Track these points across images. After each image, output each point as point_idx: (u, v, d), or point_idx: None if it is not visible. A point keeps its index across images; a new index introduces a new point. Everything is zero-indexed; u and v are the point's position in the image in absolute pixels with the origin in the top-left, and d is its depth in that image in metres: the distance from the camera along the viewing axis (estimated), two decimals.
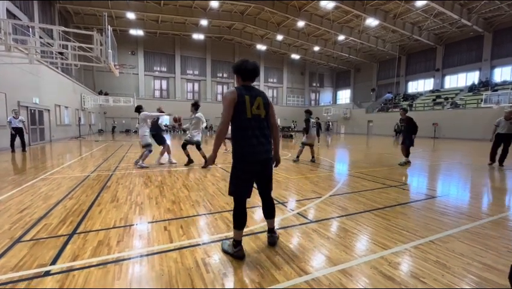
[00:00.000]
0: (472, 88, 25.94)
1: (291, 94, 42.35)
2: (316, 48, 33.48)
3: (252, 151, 2.15)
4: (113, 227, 2.84)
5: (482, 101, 21.19)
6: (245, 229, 2.79)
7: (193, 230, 2.79)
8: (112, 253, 2.27)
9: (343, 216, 3.31)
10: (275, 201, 3.88)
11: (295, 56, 37.10)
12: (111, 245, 2.41)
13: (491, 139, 7.83)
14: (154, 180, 5.23)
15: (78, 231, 2.73)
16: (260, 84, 39.58)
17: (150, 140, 6.89)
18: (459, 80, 28.91)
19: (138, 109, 7.03)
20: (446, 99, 27.00)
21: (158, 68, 34.12)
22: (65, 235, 2.62)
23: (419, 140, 20.71)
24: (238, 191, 2.22)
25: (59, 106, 17.11)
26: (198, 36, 31.08)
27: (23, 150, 10.02)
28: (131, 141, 16.89)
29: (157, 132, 7.21)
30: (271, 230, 2.49)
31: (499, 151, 7.60)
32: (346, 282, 1.90)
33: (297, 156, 8.13)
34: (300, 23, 26.33)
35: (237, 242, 2.23)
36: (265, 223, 2.59)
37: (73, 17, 25.07)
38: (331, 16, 25.83)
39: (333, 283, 1.87)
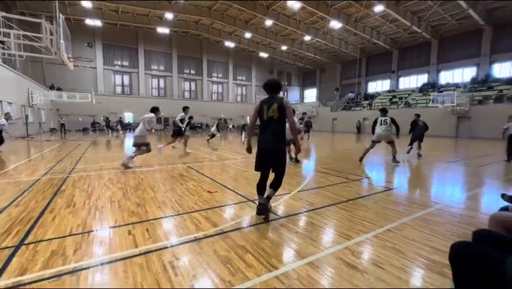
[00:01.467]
0: (422, 89, 28.65)
1: (260, 92, 42.67)
2: (284, 47, 34.09)
3: (262, 141, 2.99)
4: (69, 235, 2.60)
5: (430, 101, 23.56)
6: (214, 228, 2.77)
7: (160, 233, 2.68)
8: (68, 263, 2.08)
9: (310, 210, 3.44)
10: (245, 199, 3.91)
11: (263, 55, 37.41)
12: (67, 255, 2.21)
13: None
14: (116, 182, 4.90)
15: (26, 242, 2.45)
16: (229, 82, 39.28)
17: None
18: (412, 81, 31.71)
19: (185, 109, 8.78)
20: (400, 98, 29.45)
21: (119, 62, 31.90)
22: (10, 247, 2.33)
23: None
24: (256, 168, 3.07)
25: (1, 102, 15.16)
26: (163, 30, 29.68)
27: None
28: (88, 140, 15.61)
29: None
30: (267, 199, 3.05)
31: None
32: (313, 273, 1.98)
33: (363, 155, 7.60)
34: (268, 22, 26.58)
35: (258, 204, 3.03)
36: (234, 222, 2.70)
37: (16, 2, 22.29)
38: (298, 17, 26.51)
39: (301, 276, 1.94)
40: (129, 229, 2.75)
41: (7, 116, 10.03)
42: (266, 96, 3.10)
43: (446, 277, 1.93)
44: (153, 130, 7.00)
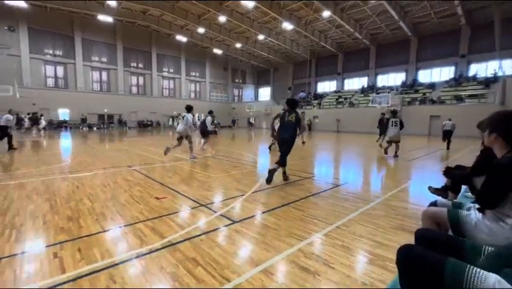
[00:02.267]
0: (363, 91, 31.63)
1: (215, 89, 41.89)
2: (238, 45, 33.91)
3: (282, 134, 5.00)
4: None
5: (370, 102, 26.16)
6: (161, 240, 2.54)
7: (96, 252, 2.32)
8: None
9: (264, 212, 3.41)
10: (197, 204, 3.71)
11: (217, 51, 36.66)
12: None
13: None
14: (44, 192, 4.18)
15: None
16: (181, 78, 37.59)
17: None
18: (355, 83, 34.79)
19: (210, 113, 10.39)
20: (345, 98, 32.04)
21: (51, 51, 27.70)
22: None
23: (326, 134, 23.93)
24: (280, 149, 5.10)
25: None
26: (105, 18, 26.69)
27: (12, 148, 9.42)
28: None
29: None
30: (284, 173, 5.15)
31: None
32: (267, 281, 1.93)
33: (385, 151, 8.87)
34: (222, 18, 26.11)
35: (273, 170, 4.87)
36: (184, 232, 2.58)
37: None
38: (251, 15, 26.64)
39: (255, 286, 1.87)
40: (55, 251, 2.33)
41: (11, 112, 10.14)
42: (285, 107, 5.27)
43: (389, 271, 2.06)
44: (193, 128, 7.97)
